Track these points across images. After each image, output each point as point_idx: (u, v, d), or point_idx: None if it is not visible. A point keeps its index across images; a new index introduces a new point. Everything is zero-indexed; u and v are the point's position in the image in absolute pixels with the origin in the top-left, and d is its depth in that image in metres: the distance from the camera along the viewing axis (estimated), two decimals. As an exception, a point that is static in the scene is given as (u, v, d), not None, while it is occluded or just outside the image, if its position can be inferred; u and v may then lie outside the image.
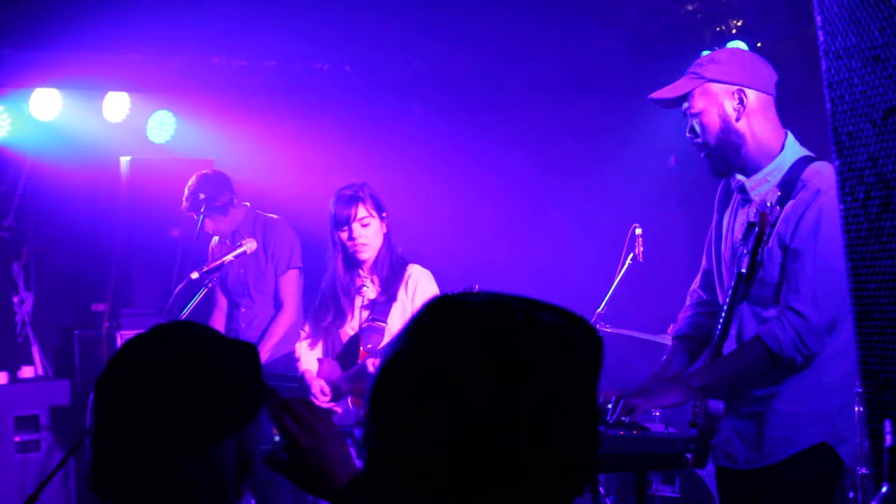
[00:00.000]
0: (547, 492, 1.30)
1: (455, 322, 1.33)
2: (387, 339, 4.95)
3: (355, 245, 4.98)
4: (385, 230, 5.05)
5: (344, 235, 4.99)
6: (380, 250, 5.03)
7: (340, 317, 5.09)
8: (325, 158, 7.44)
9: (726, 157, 3.60)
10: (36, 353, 7.17)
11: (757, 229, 3.51)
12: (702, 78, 3.58)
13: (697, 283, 3.93)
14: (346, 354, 5.06)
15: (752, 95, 3.55)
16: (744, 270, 3.52)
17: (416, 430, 1.30)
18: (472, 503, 1.28)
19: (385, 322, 4.97)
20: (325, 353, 5.19)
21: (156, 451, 1.87)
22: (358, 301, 5.05)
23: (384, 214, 5.05)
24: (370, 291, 5.04)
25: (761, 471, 3.52)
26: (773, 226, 3.48)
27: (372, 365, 4.85)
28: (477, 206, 7.86)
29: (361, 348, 4.97)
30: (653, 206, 7.32)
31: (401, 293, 5.00)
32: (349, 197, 4.99)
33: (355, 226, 4.97)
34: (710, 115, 3.57)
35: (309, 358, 5.18)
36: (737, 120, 3.55)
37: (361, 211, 4.97)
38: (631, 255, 6.21)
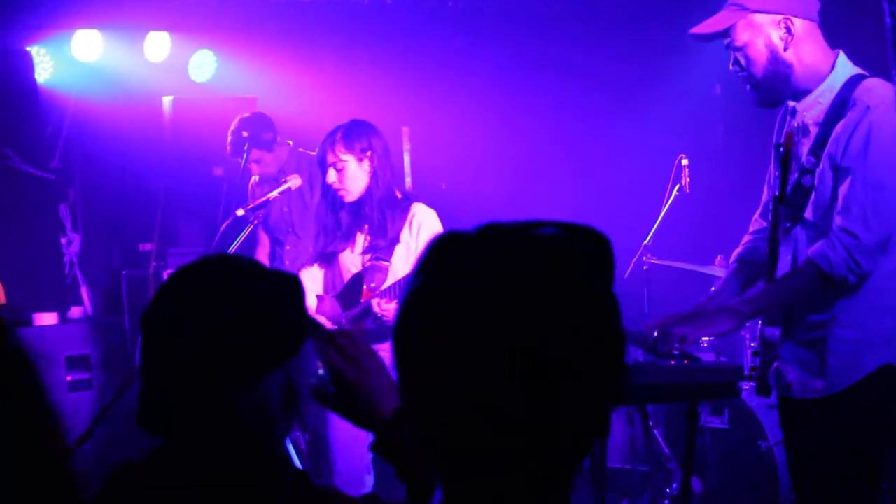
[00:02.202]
0: (576, 425, 1.25)
1: (453, 261, 1.28)
2: (391, 278, 4.83)
3: (333, 189, 4.89)
4: (370, 169, 4.84)
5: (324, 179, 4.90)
6: (367, 190, 4.86)
7: (337, 252, 4.99)
8: (367, 93, 7.39)
9: (775, 87, 3.48)
10: (84, 293, 7.22)
11: (782, 150, 3.45)
12: (744, 9, 3.46)
13: (759, 212, 3.83)
14: (348, 293, 4.97)
15: (797, 23, 3.44)
16: (776, 194, 3.47)
17: (428, 377, 1.26)
18: (491, 446, 1.24)
19: (388, 261, 4.87)
20: (326, 290, 5.13)
21: (201, 384, 1.87)
22: (360, 238, 4.96)
23: (368, 153, 4.83)
24: (368, 231, 4.96)
25: (826, 400, 3.42)
26: (817, 145, 3.40)
27: (377, 304, 4.78)
28: (520, 139, 7.80)
29: (365, 287, 4.89)
30: (699, 137, 7.23)
31: (404, 233, 4.86)
32: (325, 139, 4.86)
33: (330, 171, 4.83)
34: (756, 47, 3.45)
35: (309, 295, 5.10)
36: (784, 49, 3.44)
37: (331, 156, 4.81)
38: (677, 185, 6.15)
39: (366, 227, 4.93)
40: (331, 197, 4.93)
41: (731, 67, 3.55)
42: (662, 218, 6.15)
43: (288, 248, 6.36)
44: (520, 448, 1.23)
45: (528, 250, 1.25)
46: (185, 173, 7.08)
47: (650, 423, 5.44)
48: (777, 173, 3.51)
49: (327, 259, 5.07)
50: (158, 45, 7.33)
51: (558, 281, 1.23)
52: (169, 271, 6.67)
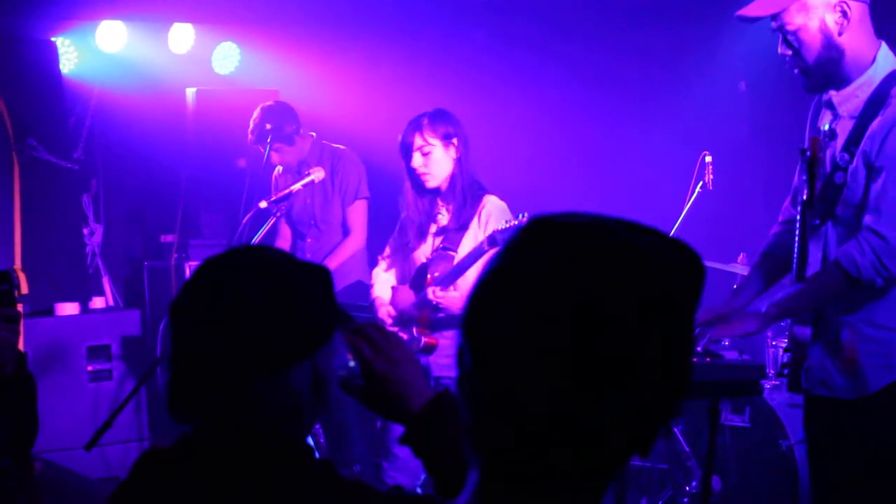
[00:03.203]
0: (644, 429, 1.23)
1: (564, 245, 1.22)
2: None
3: (417, 173, 4.94)
4: (456, 155, 4.89)
5: (409, 163, 4.95)
6: (451, 177, 4.90)
7: (415, 241, 5.05)
8: (389, 87, 7.39)
9: (825, 72, 3.38)
10: (106, 283, 7.25)
11: (809, 154, 3.36)
12: None
13: (788, 200, 3.76)
14: (417, 282, 5.02)
15: (854, 6, 3.34)
16: (804, 198, 3.40)
17: (518, 356, 1.20)
18: (565, 437, 1.22)
19: (455, 251, 4.90)
20: (401, 280, 5.15)
21: (230, 374, 1.87)
22: (432, 227, 5.01)
23: (454, 140, 4.89)
24: (444, 218, 4.98)
25: (860, 402, 3.37)
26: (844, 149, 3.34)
27: (432, 293, 4.80)
28: (542, 135, 7.79)
29: (429, 276, 4.93)
30: (723, 134, 7.20)
31: (473, 223, 4.89)
32: (411, 124, 4.91)
33: (415, 154, 4.87)
34: (810, 31, 3.34)
35: (382, 285, 5.15)
36: (839, 34, 3.34)
37: (419, 140, 4.86)
38: (701, 183, 6.11)
39: (438, 217, 4.97)
40: (413, 182, 4.96)
41: (779, 51, 3.44)
42: (685, 215, 6.12)
43: (309, 240, 6.37)
44: (580, 447, 1.20)
45: (628, 254, 1.22)
46: (208, 165, 7.09)
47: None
48: (804, 177, 3.43)
49: (403, 251, 5.13)
50: (182, 36, 7.35)
51: (656, 293, 1.20)
52: (191, 263, 6.71)
